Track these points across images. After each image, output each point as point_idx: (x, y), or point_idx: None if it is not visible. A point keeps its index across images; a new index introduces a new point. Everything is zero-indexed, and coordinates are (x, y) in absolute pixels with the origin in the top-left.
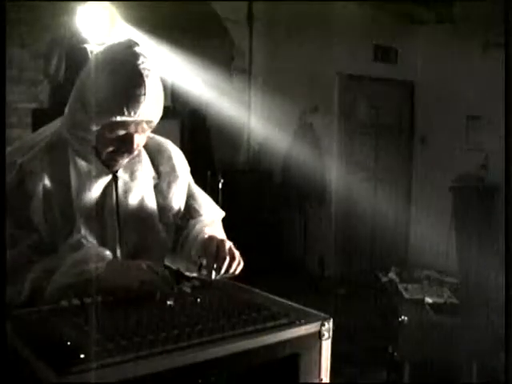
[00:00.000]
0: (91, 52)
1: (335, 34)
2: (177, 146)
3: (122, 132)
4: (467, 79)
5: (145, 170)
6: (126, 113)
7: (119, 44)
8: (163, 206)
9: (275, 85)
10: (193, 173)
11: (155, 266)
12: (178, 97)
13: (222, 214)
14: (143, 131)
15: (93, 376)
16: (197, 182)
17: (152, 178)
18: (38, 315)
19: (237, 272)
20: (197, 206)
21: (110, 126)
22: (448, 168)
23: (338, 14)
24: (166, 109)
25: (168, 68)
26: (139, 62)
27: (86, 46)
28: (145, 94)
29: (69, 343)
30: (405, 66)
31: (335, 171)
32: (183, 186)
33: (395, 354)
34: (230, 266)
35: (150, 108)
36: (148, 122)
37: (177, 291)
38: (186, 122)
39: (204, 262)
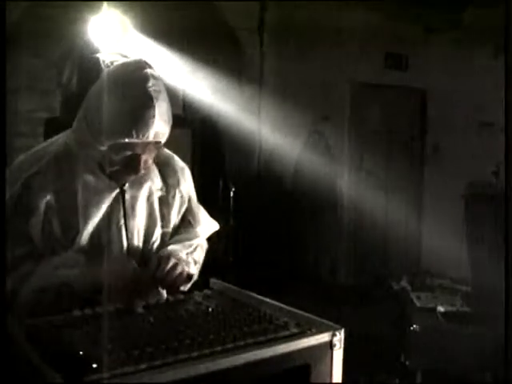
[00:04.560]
0: (103, 61)
1: (346, 41)
2: (188, 154)
3: (128, 153)
4: (479, 86)
5: (153, 181)
6: (134, 135)
7: (129, 65)
8: (166, 217)
9: (286, 93)
10: (204, 181)
11: (128, 263)
12: (190, 106)
13: (217, 227)
14: (150, 152)
15: None
16: (208, 190)
17: (159, 190)
18: (51, 324)
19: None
20: (191, 219)
21: (117, 147)
22: (460, 175)
23: (349, 21)
24: (177, 118)
25: (179, 77)
26: (149, 84)
27: (98, 55)
28: (154, 117)
29: (81, 352)
30: (416, 74)
31: (346, 179)
32: (185, 198)
33: (407, 362)
34: (163, 281)
35: (158, 130)
36: (156, 143)
37: (188, 300)
38: (198, 130)
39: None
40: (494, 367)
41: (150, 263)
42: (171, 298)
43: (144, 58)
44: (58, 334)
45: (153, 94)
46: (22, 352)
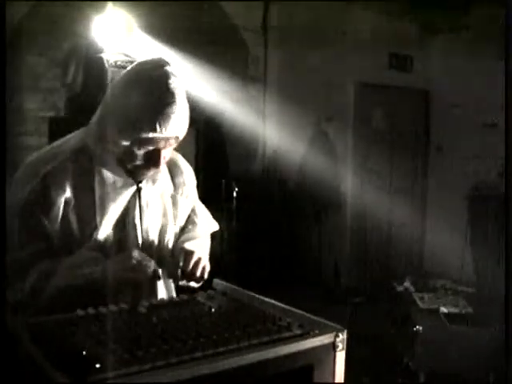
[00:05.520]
0: (108, 61)
1: (350, 42)
2: (192, 154)
3: (150, 147)
4: (482, 87)
5: (164, 180)
6: (158, 129)
7: (151, 62)
8: (175, 215)
9: (290, 93)
10: (208, 181)
11: (145, 260)
12: (194, 106)
13: (216, 227)
14: (170, 146)
15: None
16: (212, 189)
17: (170, 189)
18: (55, 324)
19: (200, 280)
20: (195, 219)
21: (140, 142)
22: (464, 176)
23: (352, 22)
24: None
25: (183, 77)
26: (171, 81)
27: (102, 55)
28: (175, 112)
29: (84, 352)
30: (420, 74)
31: (350, 179)
32: (191, 198)
33: (410, 363)
34: (191, 274)
35: (179, 124)
36: (176, 138)
37: (191, 301)
38: (202, 130)
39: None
40: (496, 368)
41: (175, 258)
42: (174, 299)
43: (163, 57)
44: (61, 333)
45: (174, 90)
46: (26, 351)
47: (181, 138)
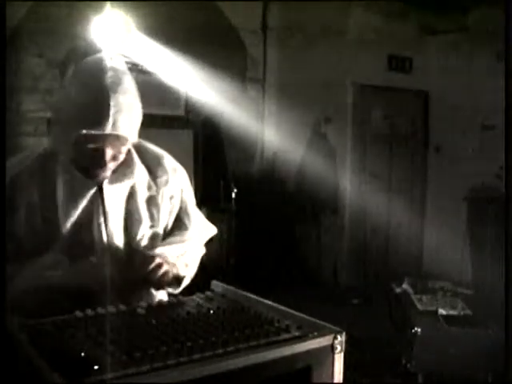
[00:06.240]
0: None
1: (349, 43)
2: (190, 155)
3: (92, 145)
4: (481, 88)
5: (138, 181)
6: (91, 126)
7: (92, 58)
8: (156, 217)
9: (289, 94)
10: (206, 182)
11: (101, 266)
12: (192, 106)
13: (214, 231)
14: (115, 146)
15: None
16: (210, 191)
17: (147, 189)
18: (52, 325)
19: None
20: (186, 221)
21: (83, 140)
22: (462, 178)
23: (352, 23)
24: (179, 119)
25: (182, 78)
26: (107, 76)
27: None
28: (109, 108)
29: (83, 354)
30: (419, 76)
31: (349, 181)
32: (177, 199)
33: (408, 365)
34: (150, 280)
35: (119, 123)
36: (120, 138)
37: (190, 302)
38: (200, 131)
39: None
40: (495, 370)
41: (134, 261)
42: (173, 300)
43: (114, 51)
44: (58, 335)
45: (109, 85)
46: (24, 353)
47: (129, 138)
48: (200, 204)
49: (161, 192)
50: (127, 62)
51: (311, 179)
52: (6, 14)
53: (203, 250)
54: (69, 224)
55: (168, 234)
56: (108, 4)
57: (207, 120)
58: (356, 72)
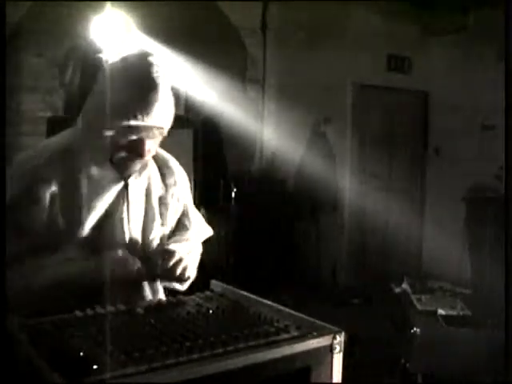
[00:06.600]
0: (106, 61)
1: (349, 43)
2: (190, 155)
3: (133, 137)
4: (481, 89)
5: (154, 180)
6: (139, 117)
7: (135, 54)
8: (165, 216)
9: (289, 94)
10: (206, 182)
11: (130, 258)
12: (192, 106)
13: (210, 232)
14: (154, 137)
15: None
16: (210, 190)
17: (160, 189)
18: (52, 325)
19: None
20: (187, 223)
21: (123, 131)
22: (462, 178)
23: (351, 23)
24: (179, 118)
25: (182, 77)
26: (153, 70)
27: (100, 55)
28: (157, 101)
29: (82, 353)
30: (418, 76)
31: (348, 181)
32: (182, 201)
33: (408, 365)
34: (171, 274)
35: (161, 114)
36: (159, 129)
37: (189, 302)
38: (200, 131)
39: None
40: (494, 370)
41: (155, 256)
42: (172, 300)
43: (147, 50)
44: (58, 334)
45: (156, 79)
46: (24, 353)
47: (165, 130)
48: (199, 203)
49: (170, 192)
50: None
51: (311, 179)
52: (6, 14)
53: (200, 250)
54: (92, 218)
55: (172, 233)
56: (108, 4)
57: (207, 120)
58: (356, 72)
